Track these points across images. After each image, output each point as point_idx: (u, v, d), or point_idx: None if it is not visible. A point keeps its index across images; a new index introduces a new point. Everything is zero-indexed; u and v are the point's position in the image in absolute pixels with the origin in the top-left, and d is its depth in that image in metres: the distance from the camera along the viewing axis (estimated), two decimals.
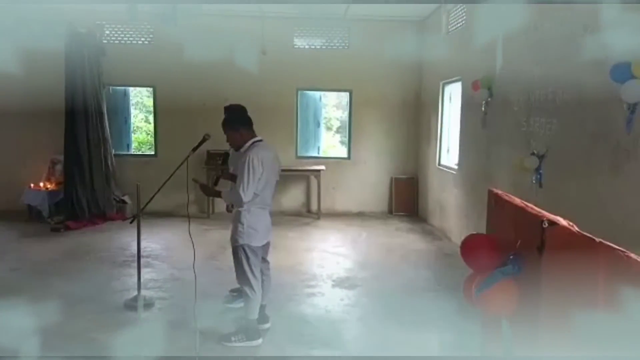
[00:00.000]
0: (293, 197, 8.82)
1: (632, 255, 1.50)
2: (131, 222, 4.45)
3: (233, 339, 3.78)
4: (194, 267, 3.95)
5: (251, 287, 3.74)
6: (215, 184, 4.15)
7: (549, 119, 4.37)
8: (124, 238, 6.64)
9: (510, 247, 2.10)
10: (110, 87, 8.36)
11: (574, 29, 3.96)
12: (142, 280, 4.59)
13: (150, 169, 8.09)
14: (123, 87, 8.66)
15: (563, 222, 1.87)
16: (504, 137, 5.34)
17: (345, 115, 9.58)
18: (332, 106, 12.59)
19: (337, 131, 12.83)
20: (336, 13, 8.08)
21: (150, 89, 8.84)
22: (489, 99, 5.61)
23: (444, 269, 5.73)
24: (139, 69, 8.16)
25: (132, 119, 9.51)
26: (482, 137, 5.93)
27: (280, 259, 5.60)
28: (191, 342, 3.73)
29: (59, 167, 7.97)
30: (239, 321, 3.95)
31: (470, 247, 2.30)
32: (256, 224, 3.72)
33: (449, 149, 7.61)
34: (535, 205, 2.13)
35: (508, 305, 2.08)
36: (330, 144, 12.08)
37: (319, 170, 8.39)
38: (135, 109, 11.74)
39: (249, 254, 3.72)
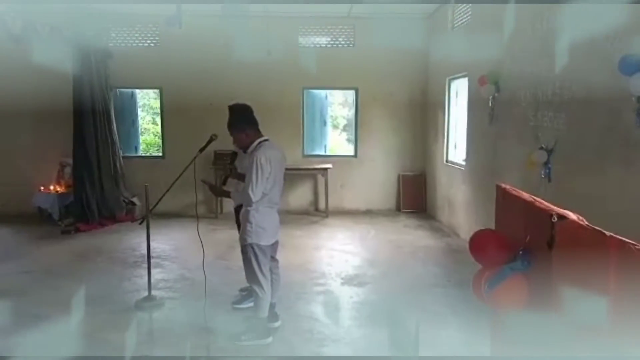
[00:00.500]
0: (301, 196, 8.83)
1: None
2: (140, 223, 4.49)
3: (243, 337, 3.79)
4: (203, 267, 3.98)
5: (260, 285, 3.76)
6: (224, 183, 4.17)
7: (557, 113, 4.34)
8: (134, 239, 6.69)
9: (520, 242, 2.09)
10: (118, 90, 8.43)
11: (582, 22, 3.92)
12: (152, 280, 4.63)
13: (159, 170, 8.14)
14: (130, 89, 8.71)
15: (572, 216, 1.86)
16: (512, 132, 5.32)
17: (351, 113, 9.57)
18: (339, 104, 12.57)
19: (344, 129, 12.81)
20: (341, 11, 8.07)
21: (157, 91, 8.88)
22: (496, 94, 5.58)
23: (453, 265, 5.72)
24: (146, 71, 8.21)
25: (140, 121, 9.56)
26: (489, 133, 5.90)
27: (289, 257, 5.62)
28: (202, 342, 3.76)
29: (68, 170, 8.04)
30: (249, 320, 3.97)
31: (479, 243, 2.29)
32: (264, 223, 3.73)
33: (456, 145, 7.58)
34: (544, 200, 2.11)
35: (518, 301, 2.07)
36: (337, 142, 12.07)
37: (326, 169, 8.39)
38: (143, 110, 11.80)
39: (258, 253, 3.73)
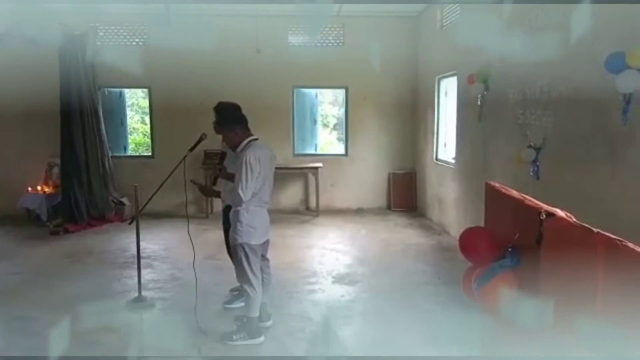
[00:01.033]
0: (291, 195, 8.83)
1: (630, 244, 1.51)
2: (130, 224, 4.46)
3: (235, 337, 3.78)
4: (194, 267, 3.96)
5: (251, 285, 3.75)
6: (214, 184, 4.15)
7: (545, 111, 4.38)
8: (124, 239, 6.64)
9: (509, 239, 2.11)
10: (106, 89, 8.35)
11: (568, 20, 3.96)
12: (142, 281, 4.60)
13: (148, 170, 8.09)
14: (118, 89, 8.64)
15: (561, 213, 1.88)
16: (501, 130, 5.35)
17: (341, 112, 9.57)
18: (329, 103, 12.56)
19: (334, 128, 12.81)
20: (330, 10, 8.06)
21: (146, 90, 8.82)
22: (485, 93, 5.62)
23: (444, 263, 5.75)
24: (134, 70, 8.13)
25: (128, 121, 9.49)
26: (478, 131, 5.94)
27: (280, 256, 5.61)
28: (193, 342, 3.75)
29: (55, 171, 7.97)
30: (240, 320, 3.96)
31: (468, 240, 2.31)
32: (255, 222, 3.72)
33: (445, 143, 7.62)
34: (533, 198, 2.13)
35: (507, 298, 2.09)
36: (327, 141, 12.06)
37: (316, 168, 8.39)
38: (131, 110, 11.71)
39: (249, 253, 3.72)
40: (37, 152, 8.08)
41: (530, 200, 2.09)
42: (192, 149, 3.97)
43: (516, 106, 4.93)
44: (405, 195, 8.80)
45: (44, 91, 7.55)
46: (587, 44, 3.60)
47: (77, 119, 7.58)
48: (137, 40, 8.35)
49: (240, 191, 3.56)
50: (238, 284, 4.14)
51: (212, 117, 4.04)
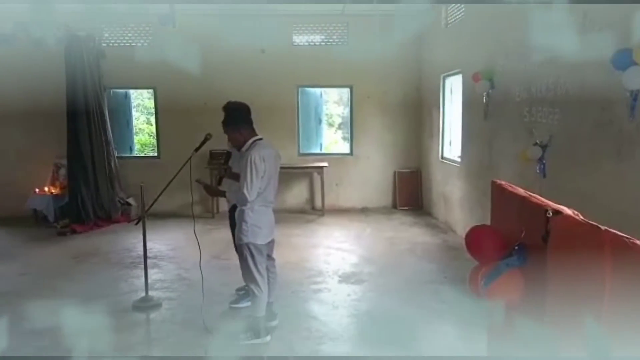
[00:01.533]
0: (297, 195, 8.83)
1: (638, 242, 1.49)
2: (136, 224, 4.47)
3: (241, 337, 3.79)
4: (200, 267, 3.97)
5: (257, 284, 3.75)
6: (219, 183, 4.15)
7: (551, 109, 4.35)
8: (130, 240, 6.67)
9: (515, 237, 2.10)
10: (111, 90, 8.39)
11: (575, 17, 3.94)
12: (149, 281, 4.62)
13: (154, 171, 8.10)
14: (124, 90, 8.67)
15: (567, 210, 1.87)
16: (506, 128, 5.33)
17: (346, 111, 9.56)
18: (333, 102, 12.55)
19: (339, 127, 12.80)
20: (334, 9, 8.06)
21: (151, 91, 8.85)
22: (490, 91, 5.60)
23: (450, 261, 5.73)
24: (139, 71, 8.17)
25: (134, 121, 9.53)
26: (484, 129, 5.92)
27: (286, 256, 5.62)
28: (200, 342, 3.76)
29: (62, 172, 8.01)
30: (246, 319, 3.97)
31: (474, 239, 2.30)
32: (260, 221, 3.73)
33: (451, 141, 7.60)
34: (539, 195, 2.12)
35: (514, 297, 2.08)
36: (332, 141, 12.06)
37: (321, 167, 8.39)
38: (137, 111, 11.74)
39: (254, 252, 3.73)
40: (43, 154, 8.13)
41: (536, 198, 2.07)
42: (197, 149, 3.97)
43: (522, 104, 4.91)
44: (410, 194, 8.79)
45: (50, 92, 7.61)
46: (594, 40, 3.57)
47: (83, 120, 7.63)
48: (142, 41, 8.37)
49: (245, 191, 3.56)
50: (244, 284, 4.15)
51: (217, 118, 4.04)
